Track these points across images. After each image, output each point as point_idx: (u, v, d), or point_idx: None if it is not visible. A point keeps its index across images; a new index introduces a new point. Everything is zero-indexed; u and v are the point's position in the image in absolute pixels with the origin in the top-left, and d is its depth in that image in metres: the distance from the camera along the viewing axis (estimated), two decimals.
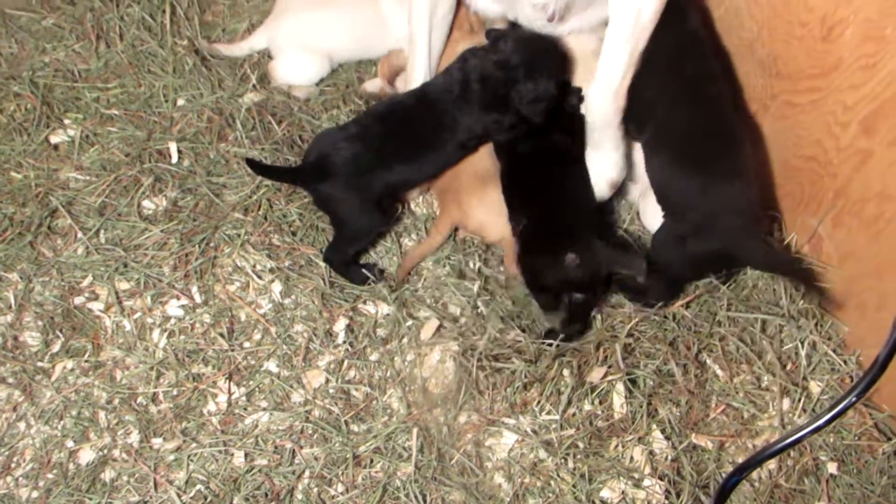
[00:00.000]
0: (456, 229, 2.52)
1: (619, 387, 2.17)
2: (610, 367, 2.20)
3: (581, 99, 2.35)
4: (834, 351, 2.33)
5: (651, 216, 2.45)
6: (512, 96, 2.30)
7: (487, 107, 2.35)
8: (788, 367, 2.30)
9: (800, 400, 2.24)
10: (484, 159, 2.47)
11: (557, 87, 2.32)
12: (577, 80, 2.43)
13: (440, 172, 2.49)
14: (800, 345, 2.31)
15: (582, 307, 2.26)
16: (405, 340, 2.30)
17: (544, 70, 2.31)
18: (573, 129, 2.38)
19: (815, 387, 2.28)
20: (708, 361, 2.28)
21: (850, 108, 2.10)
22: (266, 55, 3.01)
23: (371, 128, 2.36)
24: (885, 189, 2.07)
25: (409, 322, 2.34)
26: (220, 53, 3.01)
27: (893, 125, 1.97)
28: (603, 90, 2.23)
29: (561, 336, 2.25)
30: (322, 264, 2.42)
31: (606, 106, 2.25)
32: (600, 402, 2.18)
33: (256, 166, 2.36)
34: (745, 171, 2.22)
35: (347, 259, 2.42)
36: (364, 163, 2.30)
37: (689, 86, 2.29)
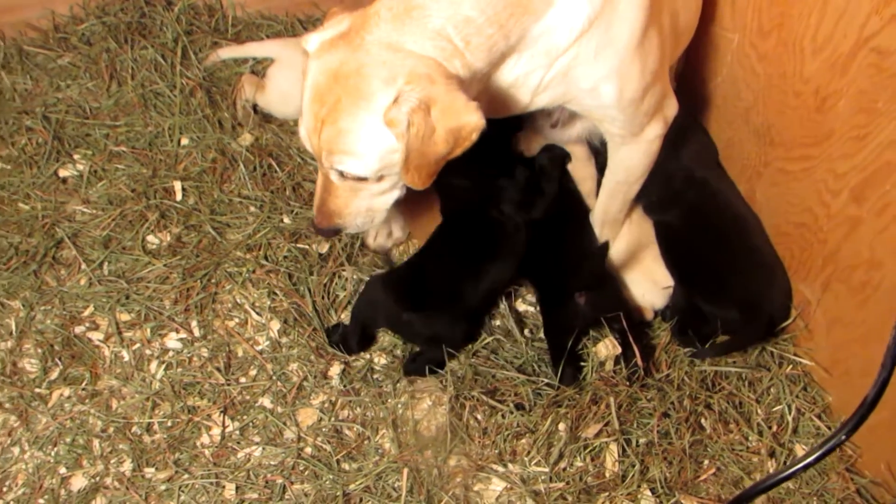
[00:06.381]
0: None
1: (613, 447, 2.19)
2: (606, 423, 2.22)
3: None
4: (819, 416, 2.36)
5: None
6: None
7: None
8: (774, 428, 2.33)
9: (785, 462, 2.26)
10: None
11: None
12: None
13: None
14: (786, 409, 2.35)
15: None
16: (400, 384, 2.33)
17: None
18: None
19: (800, 450, 2.31)
20: (702, 421, 2.30)
21: (841, 177, 2.15)
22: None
23: None
24: (874, 256, 2.10)
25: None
26: (219, 59, 3.12)
27: (883, 194, 2.02)
28: (599, 220, 2.57)
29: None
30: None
31: (604, 228, 2.57)
32: (592, 459, 2.19)
33: None
34: None
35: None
36: None
37: None
